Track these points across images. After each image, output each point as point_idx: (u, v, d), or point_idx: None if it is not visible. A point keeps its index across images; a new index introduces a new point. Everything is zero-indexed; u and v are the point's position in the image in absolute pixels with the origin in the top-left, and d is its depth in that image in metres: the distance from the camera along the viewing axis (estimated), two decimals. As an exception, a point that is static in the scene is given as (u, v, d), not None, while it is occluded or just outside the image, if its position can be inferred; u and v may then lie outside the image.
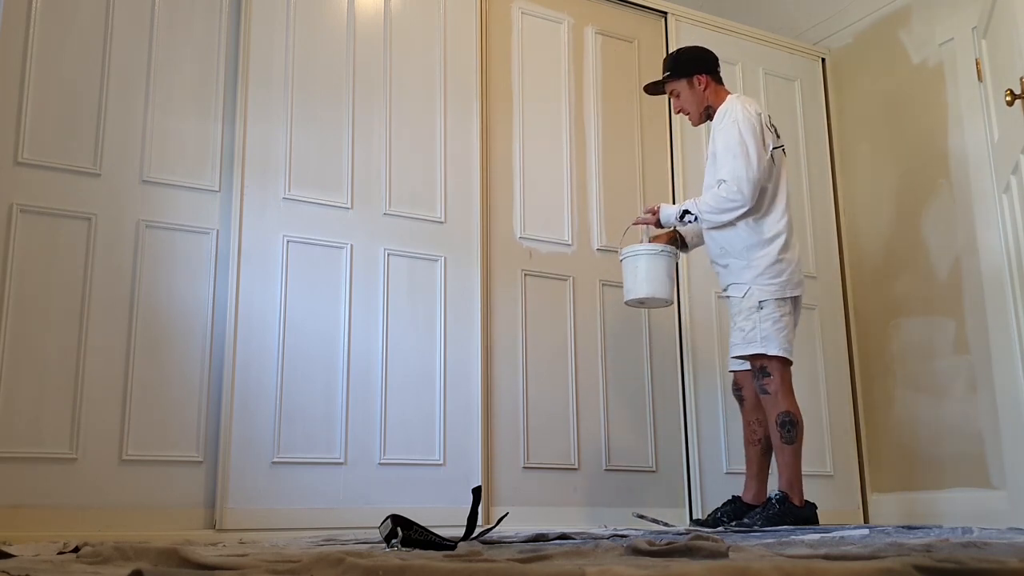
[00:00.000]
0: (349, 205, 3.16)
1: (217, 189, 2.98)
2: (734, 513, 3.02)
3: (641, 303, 3.12)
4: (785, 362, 2.95)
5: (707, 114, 3.13)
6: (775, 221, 2.98)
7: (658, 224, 3.08)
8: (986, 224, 3.56)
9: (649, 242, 3.10)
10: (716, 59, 3.16)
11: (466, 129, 3.41)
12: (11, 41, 2.76)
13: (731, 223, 2.96)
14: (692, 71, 3.09)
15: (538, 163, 3.56)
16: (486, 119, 3.48)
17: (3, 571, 1.32)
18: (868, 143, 4.14)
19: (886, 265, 3.99)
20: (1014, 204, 3.25)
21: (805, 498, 2.94)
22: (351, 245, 3.13)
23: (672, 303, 3.14)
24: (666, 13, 3.98)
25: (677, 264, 3.26)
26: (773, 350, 2.91)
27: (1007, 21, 3.14)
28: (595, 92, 3.75)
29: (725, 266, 3.04)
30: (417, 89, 3.36)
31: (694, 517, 3.33)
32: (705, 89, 3.09)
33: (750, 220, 2.97)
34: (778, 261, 2.95)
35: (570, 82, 3.71)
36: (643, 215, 3.13)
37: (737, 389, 3.13)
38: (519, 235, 3.47)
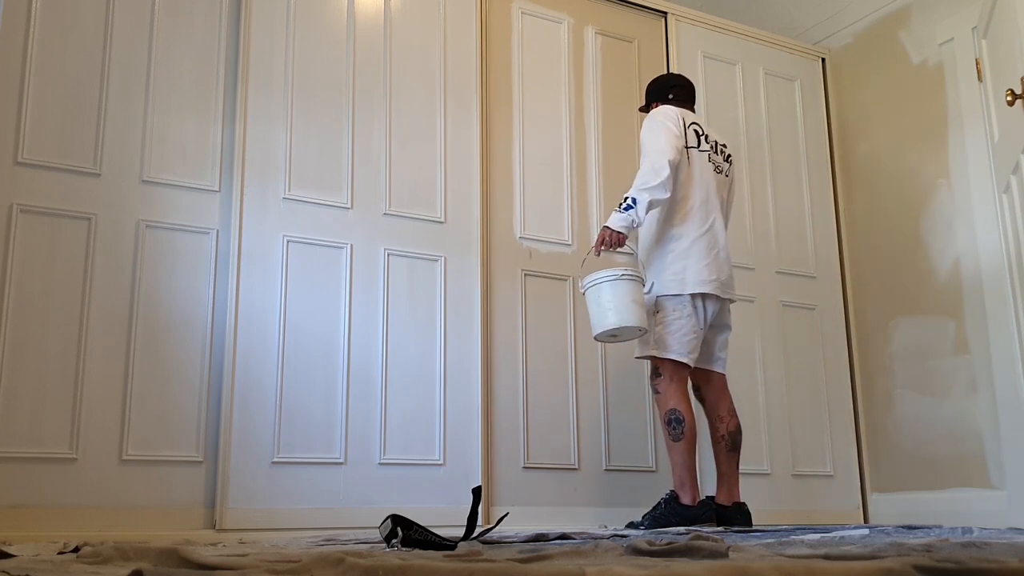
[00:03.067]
0: (349, 205, 3.16)
1: (217, 189, 2.98)
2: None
3: (613, 336, 2.98)
4: (679, 364, 2.98)
5: None
6: (681, 220, 3.02)
7: (619, 241, 2.95)
8: (986, 224, 3.57)
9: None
10: (671, 84, 3.27)
11: (466, 129, 3.41)
12: (11, 41, 2.76)
13: (661, 202, 2.95)
14: (649, 100, 3.29)
15: (538, 163, 3.56)
16: (486, 119, 3.48)
17: (3, 571, 1.32)
18: (868, 143, 4.14)
19: (886, 265, 3.99)
20: (1014, 204, 3.25)
21: (703, 498, 2.98)
22: (351, 245, 3.13)
23: (646, 331, 2.97)
24: (666, 13, 3.98)
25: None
26: (666, 353, 2.96)
27: (1007, 21, 3.14)
28: (595, 92, 3.75)
29: (647, 266, 3.10)
30: (417, 89, 3.36)
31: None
32: None
33: (659, 214, 3.02)
34: (681, 258, 3.00)
35: (570, 82, 3.71)
36: (600, 244, 2.99)
37: (696, 389, 3.15)
38: (519, 235, 3.47)
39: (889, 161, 4.03)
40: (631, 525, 3.01)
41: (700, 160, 3.09)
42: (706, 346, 3.07)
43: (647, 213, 2.95)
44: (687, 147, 3.06)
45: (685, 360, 2.98)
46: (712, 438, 3.12)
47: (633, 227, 2.96)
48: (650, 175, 2.94)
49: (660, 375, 3.01)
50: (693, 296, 2.99)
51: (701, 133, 3.15)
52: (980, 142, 3.61)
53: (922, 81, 3.90)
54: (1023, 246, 3.23)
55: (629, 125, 3.72)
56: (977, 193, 3.62)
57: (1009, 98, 3.03)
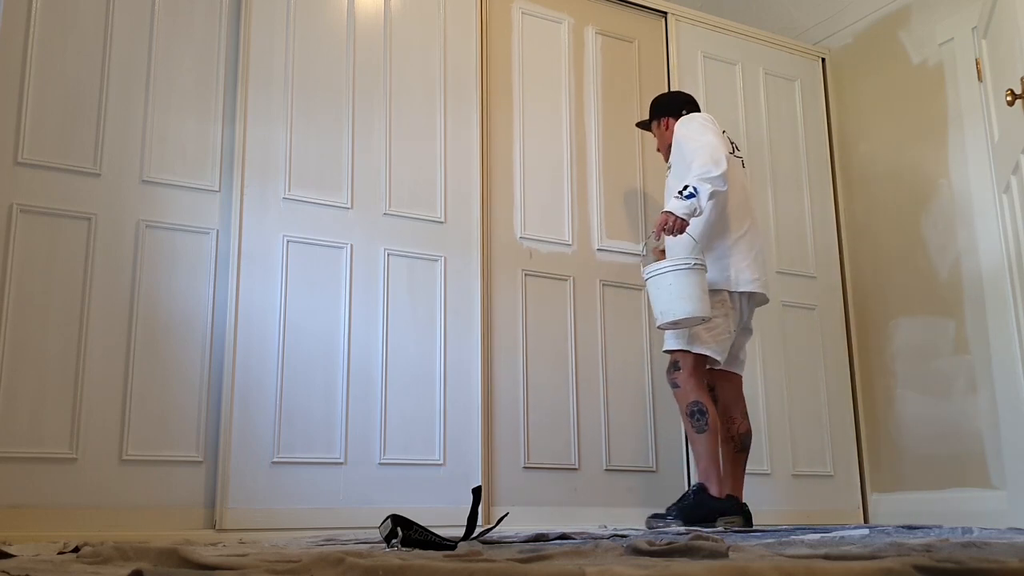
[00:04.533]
0: (349, 205, 3.16)
1: (217, 189, 2.98)
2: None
3: (675, 324, 2.95)
4: (700, 359, 2.99)
5: None
6: (721, 221, 3.05)
7: (681, 228, 2.89)
8: (986, 224, 3.57)
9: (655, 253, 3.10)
10: (685, 102, 3.28)
11: (466, 129, 3.41)
12: (11, 41, 2.76)
13: (721, 193, 2.93)
14: (658, 114, 3.30)
15: (538, 163, 3.56)
16: (486, 119, 3.48)
17: (3, 571, 1.32)
18: (868, 143, 4.14)
19: (886, 265, 3.99)
20: (1014, 204, 3.25)
21: (729, 493, 2.98)
22: (351, 245, 3.13)
23: (709, 319, 2.97)
24: (666, 13, 3.98)
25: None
26: (701, 348, 2.97)
27: (1007, 21, 3.14)
28: (595, 92, 3.75)
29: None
30: (417, 89, 3.36)
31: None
32: (667, 129, 3.24)
33: (703, 213, 2.99)
34: (724, 257, 3.02)
35: (570, 82, 3.71)
36: (662, 229, 2.94)
37: (710, 389, 3.15)
38: (519, 235, 3.47)
39: (889, 161, 4.03)
40: (656, 517, 2.99)
41: (735, 164, 3.14)
42: (732, 349, 3.09)
43: (708, 202, 2.89)
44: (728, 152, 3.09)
45: (718, 358, 2.99)
46: (722, 437, 3.12)
47: (696, 215, 2.90)
48: (711, 166, 2.89)
49: (679, 368, 3.00)
50: (736, 295, 3.01)
51: (732, 140, 3.22)
52: (980, 142, 3.61)
53: (922, 81, 3.90)
54: (1023, 246, 3.23)
55: (629, 125, 3.72)
56: (977, 193, 3.62)
57: (1009, 98, 3.03)
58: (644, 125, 3.43)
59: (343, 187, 3.16)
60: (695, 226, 2.98)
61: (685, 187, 2.89)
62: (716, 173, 2.88)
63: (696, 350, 2.98)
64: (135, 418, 2.72)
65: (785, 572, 1.01)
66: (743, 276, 3.03)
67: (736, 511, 2.94)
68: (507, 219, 3.45)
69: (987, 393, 3.53)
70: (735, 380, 3.17)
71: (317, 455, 2.93)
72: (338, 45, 3.26)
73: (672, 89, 3.88)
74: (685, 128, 3.09)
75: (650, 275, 2.95)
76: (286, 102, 3.11)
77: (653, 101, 3.39)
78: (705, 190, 2.87)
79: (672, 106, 3.28)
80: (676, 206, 2.89)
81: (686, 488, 3.51)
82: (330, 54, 3.23)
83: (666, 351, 3.10)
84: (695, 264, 2.88)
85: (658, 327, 3.03)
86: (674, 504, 3.00)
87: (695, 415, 2.96)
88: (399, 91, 3.32)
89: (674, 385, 3.04)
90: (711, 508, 2.89)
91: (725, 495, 2.96)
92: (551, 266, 3.50)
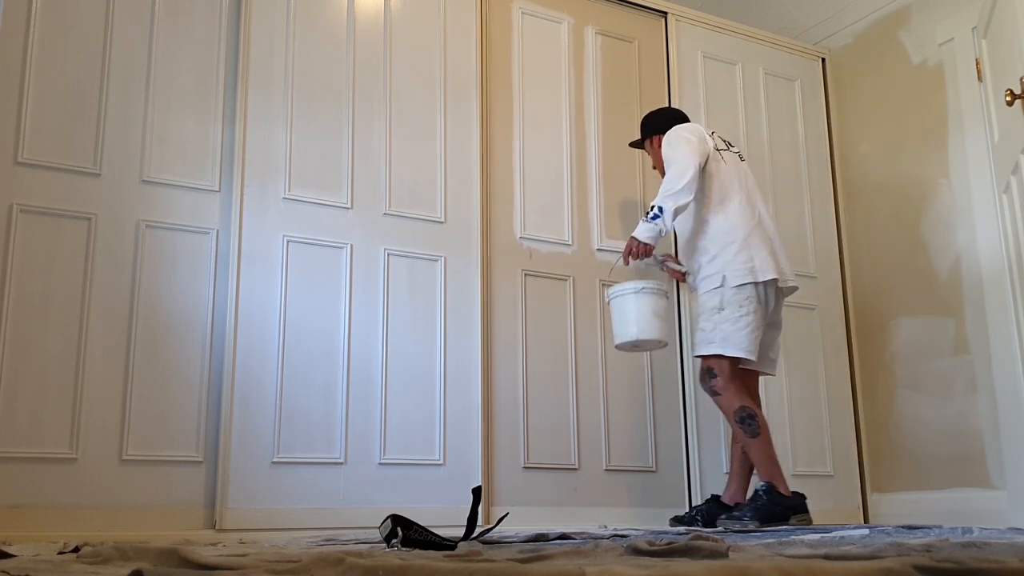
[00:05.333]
0: (349, 205, 3.16)
1: (217, 189, 2.98)
2: (708, 513, 3.04)
3: (634, 346, 3.06)
4: (733, 363, 2.99)
5: None
6: (730, 217, 3.06)
7: (647, 252, 3.02)
8: (986, 224, 3.56)
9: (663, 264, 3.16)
10: (673, 117, 3.31)
11: (466, 129, 3.41)
12: (11, 41, 2.76)
13: (686, 205, 3.00)
14: (648, 133, 3.33)
15: (538, 163, 3.56)
16: (486, 119, 3.48)
17: (3, 571, 1.32)
18: (868, 143, 4.14)
19: (886, 265, 3.99)
20: (1014, 204, 3.25)
21: (793, 490, 2.97)
22: (351, 245, 3.13)
23: (667, 344, 3.13)
24: (666, 13, 3.98)
25: (670, 295, 3.22)
26: (733, 351, 2.95)
27: (1007, 21, 3.14)
28: (595, 92, 3.75)
29: (697, 270, 3.13)
30: (417, 89, 3.36)
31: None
32: (657, 148, 3.26)
33: (708, 215, 3.06)
34: (745, 249, 3.02)
35: (570, 82, 3.71)
36: (628, 255, 3.05)
37: None
38: (519, 235, 3.47)
39: (889, 161, 4.03)
40: (731, 518, 2.89)
41: (732, 160, 3.18)
42: (761, 348, 3.05)
43: (674, 220, 2.99)
44: (717, 149, 3.15)
45: (752, 357, 2.98)
46: (733, 437, 3.12)
47: (661, 236, 3.01)
48: (673, 181, 2.99)
49: (716, 376, 2.99)
50: (761, 285, 3.01)
51: (719, 138, 3.24)
52: (980, 142, 3.61)
53: (922, 81, 3.90)
54: (1023, 246, 3.23)
55: (629, 125, 3.72)
56: (977, 193, 3.62)
57: (1008, 98, 3.03)
58: (637, 144, 3.44)
59: (343, 187, 3.16)
60: (702, 231, 3.06)
61: (651, 207, 3.00)
62: (679, 187, 2.97)
63: (731, 352, 2.96)
64: (135, 418, 2.72)
65: (785, 572, 1.01)
66: (766, 265, 3.02)
67: (805, 508, 2.94)
68: (507, 219, 3.45)
69: (987, 393, 3.53)
70: (752, 379, 3.15)
71: (317, 455, 2.93)
72: (338, 45, 3.26)
73: (671, 89, 3.88)
74: (667, 146, 3.14)
75: (611, 297, 3.08)
76: (286, 102, 3.11)
77: (643, 120, 3.40)
78: (669, 208, 2.96)
79: (661, 124, 3.29)
80: (640, 231, 3.01)
81: (685, 487, 3.52)
82: (330, 54, 3.23)
83: (698, 356, 3.07)
84: (647, 288, 2.98)
85: (616, 347, 3.11)
86: (746, 504, 2.94)
87: (745, 420, 2.94)
88: (399, 91, 3.32)
89: (713, 393, 3.02)
90: (785, 506, 2.89)
91: (791, 492, 2.95)
92: (551, 266, 3.50)
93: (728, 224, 3.06)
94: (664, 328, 3.00)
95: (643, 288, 2.98)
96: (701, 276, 3.09)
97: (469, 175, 3.38)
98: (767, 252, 3.05)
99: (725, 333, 2.96)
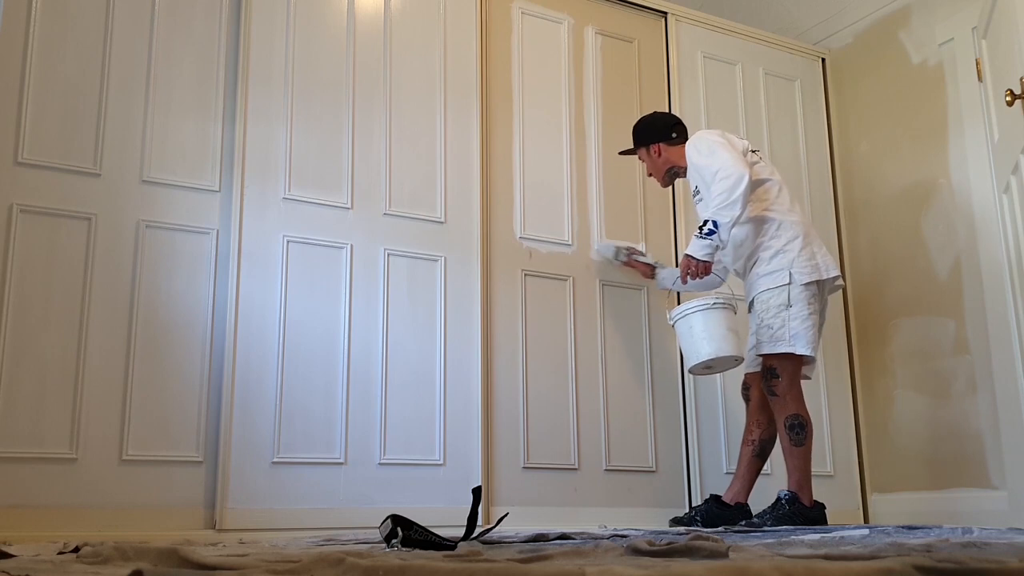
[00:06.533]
0: (349, 205, 3.16)
1: (217, 189, 2.98)
2: (708, 513, 3.03)
3: (708, 368, 2.92)
4: (797, 362, 2.93)
5: (674, 174, 3.22)
6: (784, 217, 3.00)
7: (706, 269, 2.89)
8: (986, 224, 3.56)
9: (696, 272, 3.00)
10: (670, 123, 3.24)
11: (466, 129, 3.41)
12: (11, 41, 2.76)
13: (742, 215, 2.91)
14: (647, 141, 3.24)
15: (538, 163, 3.56)
16: (486, 119, 3.48)
17: (3, 571, 1.32)
18: (868, 143, 4.14)
19: (886, 265, 3.99)
20: (1014, 204, 3.25)
21: (814, 499, 2.96)
22: (351, 245, 3.13)
23: (742, 360, 3.00)
24: (666, 13, 3.98)
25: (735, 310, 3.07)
26: (802, 349, 2.89)
27: (1007, 21, 3.14)
28: (595, 92, 3.75)
29: (753, 266, 3.02)
30: (417, 89, 3.36)
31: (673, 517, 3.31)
32: (660, 156, 3.21)
33: (762, 213, 2.98)
34: (807, 246, 2.98)
35: (570, 82, 3.71)
36: (686, 274, 2.93)
37: (745, 389, 3.14)
38: (519, 235, 3.47)
39: (889, 161, 4.03)
40: (750, 524, 2.87)
41: (765, 162, 3.14)
42: None
43: (730, 233, 2.87)
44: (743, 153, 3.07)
45: (816, 356, 2.94)
46: (743, 439, 3.10)
47: (719, 250, 2.90)
48: (726, 193, 2.85)
49: (778, 375, 2.91)
50: (821, 283, 2.98)
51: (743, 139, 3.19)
52: (980, 142, 3.61)
53: (922, 81, 3.90)
54: (1023, 246, 3.23)
55: (629, 125, 3.71)
56: (977, 193, 3.62)
57: (1008, 98, 3.03)
58: (630, 152, 3.35)
59: (343, 187, 3.16)
60: (759, 230, 2.97)
61: (704, 223, 2.88)
62: (733, 197, 2.83)
63: (801, 350, 2.88)
64: (135, 418, 2.72)
65: (785, 572, 1.01)
66: (827, 261, 3.00)
67: (824, 521, 2.92)
68: (507, 219, 3.45)
69: (987, 393, 3.53)
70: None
71: (317, 455, 2.93)
72: (338, 45, 3.26)
73: (671, 89, 3.88)
74: (696, 153, 3.01)
75: (675, 318, 2.94)
76: (286, 102, 3.11)
77: (636, 127, 3.32)
78: (725, 222, 2.85)
79: (660, 131, 3.22)
80: (695, 248, 2.89)
81: (685, 487, 3.52)
82: (330, 54, 3.23)
83: (765, 355, 2.96)
84: (718, 303, 2.87)
85: (689, 371, 3.00)
86: (767, 511, 2.91)
87: (794, 428, 2.90)
88: (399, 91, 3.32)
89: (771, 393, 2.93)
90: (806, 518, 2.86)
91: (813, 502, 2.93)
92: (551, 266, 3.50)
93: (787, 220, 2.99)
94: (738, 343, 2.88)
95: (713, 304, 2.85)
96: (758, 273, 2.99)
97: (469, 175, 3.38)
98: (824, 249, 3.03)
99: (795, 331, 2.88)
